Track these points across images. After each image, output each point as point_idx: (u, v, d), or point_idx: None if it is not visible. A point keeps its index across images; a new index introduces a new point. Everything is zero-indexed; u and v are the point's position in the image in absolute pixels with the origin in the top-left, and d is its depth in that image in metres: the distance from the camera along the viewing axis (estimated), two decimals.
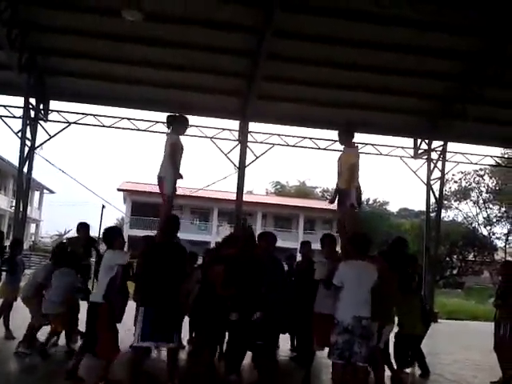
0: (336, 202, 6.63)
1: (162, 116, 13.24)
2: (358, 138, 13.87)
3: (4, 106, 12.64)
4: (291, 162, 69.26)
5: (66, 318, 6.66)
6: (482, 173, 36.57)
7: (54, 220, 58.99)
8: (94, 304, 5.46)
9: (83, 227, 8.23)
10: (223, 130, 13.32)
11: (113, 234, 5.78)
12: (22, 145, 12.20)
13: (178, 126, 6.24)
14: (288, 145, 13.79)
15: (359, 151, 6.90)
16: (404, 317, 6.69)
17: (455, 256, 36.85)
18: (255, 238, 6.28)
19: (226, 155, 13.09)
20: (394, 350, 6.64)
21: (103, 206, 25.22)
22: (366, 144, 14.06)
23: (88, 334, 5.57)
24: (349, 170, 6.24)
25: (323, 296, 5.68)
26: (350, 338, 4.84)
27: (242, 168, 12.90)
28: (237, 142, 13.11)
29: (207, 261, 6.54)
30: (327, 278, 5.33)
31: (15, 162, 13.85)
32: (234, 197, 13.75)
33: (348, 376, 5.11)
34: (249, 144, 13.05)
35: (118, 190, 36.87)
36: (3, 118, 12.59)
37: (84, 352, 5.58)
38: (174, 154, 6.01)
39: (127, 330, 6.32)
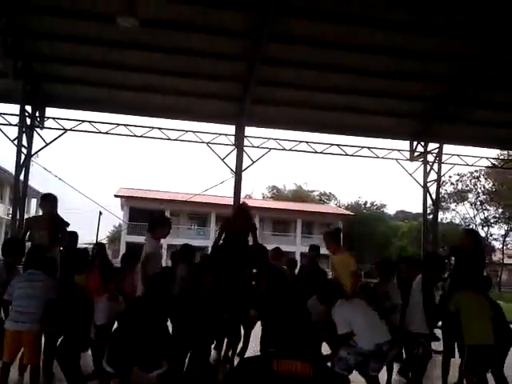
0: None
1: (158, 122, 13.30)
2: (355, 140, 14.07)
3: (0, 114, 12.64)
4: (288, 166, 69.45)
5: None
6: (477, 174, 36.75)
7: None
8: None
9: (47, 200, 6.01)
10: (219, 135, 13.31)
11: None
12: (19, 152, 12.17)
13: (158, 229, 5.73)
14: (284, 149, 13.78)
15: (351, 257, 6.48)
16: (473, 323, 5.50)
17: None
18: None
19: (222, 160, 13.10)
20: (467, 368, 5.51)
21: (100, 213, 25.18)
22: (362, 147, 14.08)
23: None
24: (351, 277, 5.96)
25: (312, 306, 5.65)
26: (364, 360, 4.82)
27: (238, 173, 12.90)
28: (233, 147, 13.10)
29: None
30: (329, 326, 5.10)
31: (11, 169, 13.84)
32: (231, 201, 13.75)
33: None
34: (245, 149, 13.04)
35: (115, 196, 36.86)
36: None
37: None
38: (146, 263, 5.58)
39: None
